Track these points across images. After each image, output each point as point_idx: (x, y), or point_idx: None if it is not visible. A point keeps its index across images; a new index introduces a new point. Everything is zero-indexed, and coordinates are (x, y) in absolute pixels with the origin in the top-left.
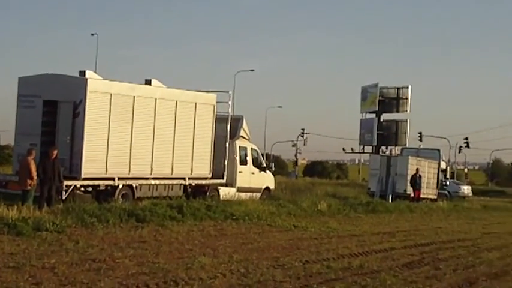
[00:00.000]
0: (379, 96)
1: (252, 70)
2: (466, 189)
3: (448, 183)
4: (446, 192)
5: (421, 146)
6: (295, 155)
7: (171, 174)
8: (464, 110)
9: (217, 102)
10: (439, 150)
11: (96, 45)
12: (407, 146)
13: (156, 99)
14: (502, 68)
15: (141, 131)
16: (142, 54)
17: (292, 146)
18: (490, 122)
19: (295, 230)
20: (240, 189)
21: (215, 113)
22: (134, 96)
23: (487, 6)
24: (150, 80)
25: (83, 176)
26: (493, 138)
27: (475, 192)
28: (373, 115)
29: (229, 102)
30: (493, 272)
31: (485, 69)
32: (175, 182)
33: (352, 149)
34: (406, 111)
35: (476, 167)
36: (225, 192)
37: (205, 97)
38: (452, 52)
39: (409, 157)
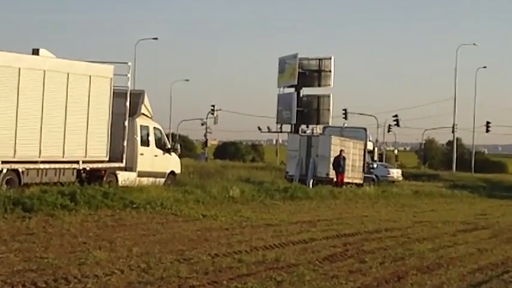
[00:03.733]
0: (299, 68)
1: (155, 38)
2: (396, 172)
3: (375, 166)
4: (374, 176)
5: (346, 125)
6: (205, 135)
7: (63, 157)
8: (394, 84)
9: (114, 75)
10: (365, 129)
11: None
12: (330, 124)
13: (44, 71)
14: (434, 39)
15: (27, 108)
16: (30, 22)
17: (202, 124)
18: (422, 98)
19: (204, 219)
20: (141, 174)
21: (112, 87)
22: (20, 68)
23: None
24: (38, 50)
25: None
26: (426, 116)
27: (405, 176)
28: (292, 89)
29: (129, 75)
30: (424, 265)
31: (416, 39)
32: (67, 166)
33: (268, 127)
34: (329, 85)
35: (408, 148)
36: (124, 177)
37: (101, 69)
38: (380, 20)
39: (332, 137)
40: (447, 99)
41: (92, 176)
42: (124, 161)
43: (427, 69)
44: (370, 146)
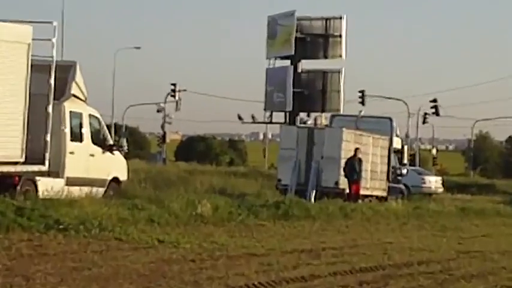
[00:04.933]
0: (297, 31)
1: None
2: (434, 181)
3: (404, 172)
4: (402, 186)
5: (363, 113)
6: (162, 126)
7: None
8: (431, 58)
9: (33, 40)
10: (391, 120)
11: None
12: (341, 112)
13: None
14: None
15: None
16: None
17: (158, 111)
18: (471, 76)
19: (161, 246)
20: (71, 181)
21: (30, 57)
22: None
23: None
24: None
25: None
26: (476, 102)
27: (448, 186)
28: (287, 62)
29: (54, 40)
30: None
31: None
32: None
33: (253, 116)
34: (340, 56)
35: (451, 147)
36: (46, 185)
37: (14, 31)
38: None
39: (344, 130)
40: (506, 78)
41: (1, 185)
42: (47, 162)
43: (479, 37)
44: (397, 143)
